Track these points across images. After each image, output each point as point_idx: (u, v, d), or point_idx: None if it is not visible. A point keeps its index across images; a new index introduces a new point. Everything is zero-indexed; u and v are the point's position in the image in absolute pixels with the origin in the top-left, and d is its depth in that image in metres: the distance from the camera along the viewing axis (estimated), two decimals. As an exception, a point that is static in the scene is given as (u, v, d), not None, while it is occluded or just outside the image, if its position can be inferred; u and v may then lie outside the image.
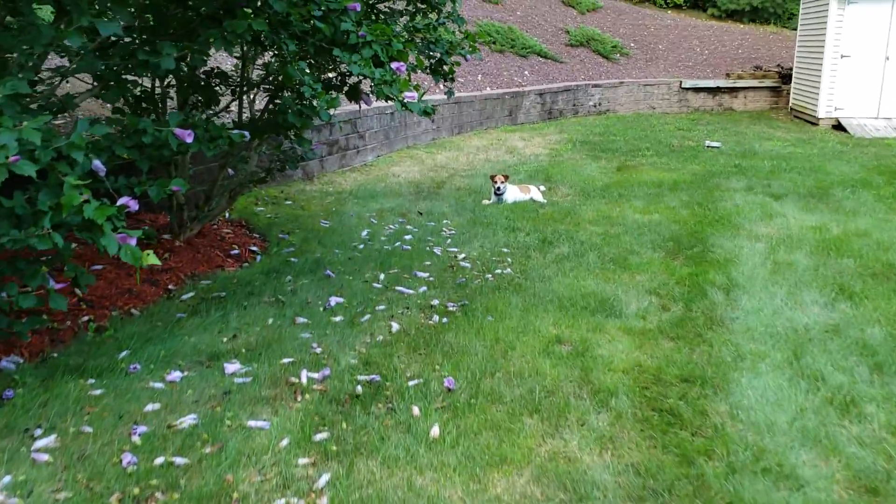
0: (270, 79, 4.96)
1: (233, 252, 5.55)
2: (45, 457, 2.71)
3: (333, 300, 4.42)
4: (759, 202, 7.29)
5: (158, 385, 3.31)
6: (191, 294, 4.59)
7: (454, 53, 5.46)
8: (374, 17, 5.11)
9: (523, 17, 16.55)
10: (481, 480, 2.66)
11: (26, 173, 2.61)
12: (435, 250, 5.60)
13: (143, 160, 3.64)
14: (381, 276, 4.92)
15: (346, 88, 4.49)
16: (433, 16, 5.55)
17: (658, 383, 3.40)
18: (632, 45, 17.43)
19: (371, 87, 3.96)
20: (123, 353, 3.61)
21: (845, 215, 6.75)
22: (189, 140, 3.36)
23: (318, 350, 3.71)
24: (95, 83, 3.45)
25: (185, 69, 3.86)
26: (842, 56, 13.33)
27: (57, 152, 2.75)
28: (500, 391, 3.29)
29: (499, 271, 5.10)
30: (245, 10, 3.63)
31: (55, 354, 3.60)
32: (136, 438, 2.84)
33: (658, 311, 4.33)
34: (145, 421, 3.00)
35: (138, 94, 4.52)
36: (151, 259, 3.08)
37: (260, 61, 5.34)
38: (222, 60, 8.39)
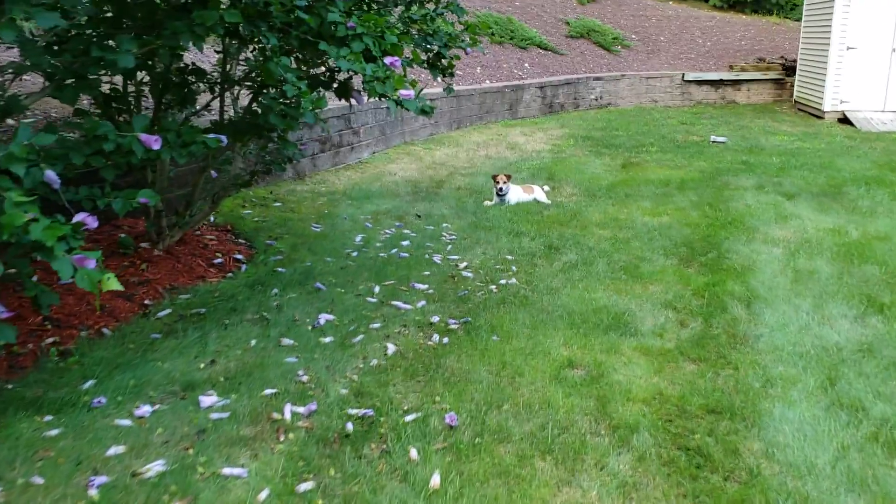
0: (254, 75, 4.59)
1: (216, 261, 5.18)
2: (-12, 516, 2.37)
3: (323, 318, 4.06)
4: (772, 202, 6.95)
5: (125, 422, 2.96)
6: (168, 311, 4.22)
7: (453, 46, 5.08)
8: (365, 7, 4.72)
9: (522, 7, 16.14)
10: (489, 541, 2.32)
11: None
12: (434, 258, 5.24)
13: (109, 168, 3.27)
14: (376, 289, 4.56)
15: (335, 85, 4.11)
16: (430, 5, 5.16)
17: (682, 416, 3.06)
18: (633, 36, 17.04)
19: (363, 83, 3.59)
20: (88, 384, 3.25)
21: (862, 216, 6.41)
22: (156, 147, 3.00)
23: (305, 378, 3.36)
24: (48, 82, 3.08)
25: (154, 66, 3.48)
26: (848, 48, 12.96)
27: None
28: (508, 427, 2.94)
29: (503, 281, 4.75)
30: (218, -1, 3.26)
31: (10, 386, 3.23)
32: (93, 492, 2.49)
33: (676, 328, 3.98)
34: (106, 468, 2.64)
35: (108, 93, 4.14)
36: (112, 284, 2.72)
37: (244, 56, 4.96)
38: (205, 57, 7.99)
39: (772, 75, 15.67)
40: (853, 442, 2.86)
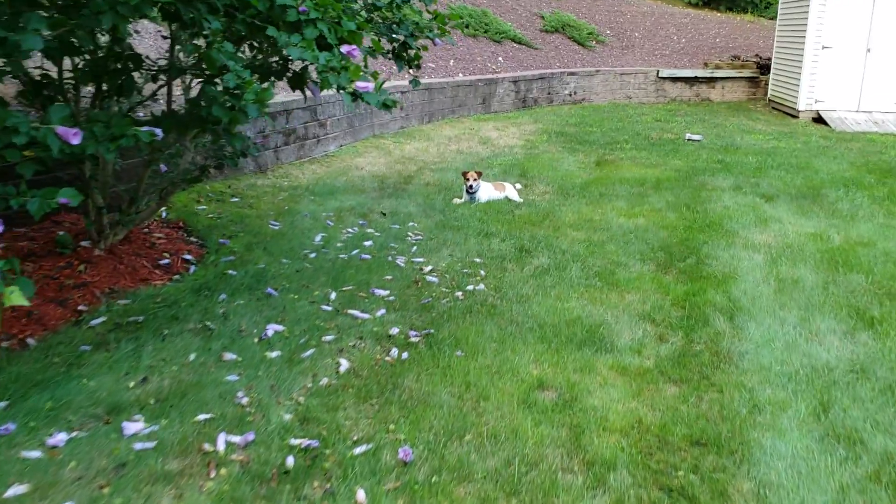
0: (203, 64, 4.20)
1: (162, 262, 4.79)
2: None
3: (272, 328, 3.71)
4: (750, 204, 6.72)
5: (34, 454, 2.59)
6: (103, 319, 3.84)
7: (421, 37, 4.74)
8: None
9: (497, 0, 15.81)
10: None
11: None
12: (398, 260, 4.91)
13: (27, 164, 2.89)
14: (333, 295, 4.22)
15: (289, 75, 3.75)
16: (397, -8, 4.81)
17: (664, 448, 2.77)
18: (607, 31, 16.81)
19: (317, 74, 3.23)
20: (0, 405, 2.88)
21: (843, 220, 6.21)
22: (75, 141, 2.63)
23: (245, 401, 3.01)
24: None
25: (96, 51, 3.09)
26: (823, 47, 12.84)
27: None
28: (470, 463, 2.62)
29: (470, 288, 4.44)
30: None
31: None
32: (-19, 546, 2.13)
33: (655, 343, 3.70)
34: (3, 514, 2.28)
35: (38, 79, 3.74)
36: (15, 299, 2.36)
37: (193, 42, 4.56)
38: (154, 43, 7.54)
39: (746, 73, 15.54)
40: (853, 481, 2.58)
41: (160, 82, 4.56)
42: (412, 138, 9.75)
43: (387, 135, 9.86)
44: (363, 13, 4.56)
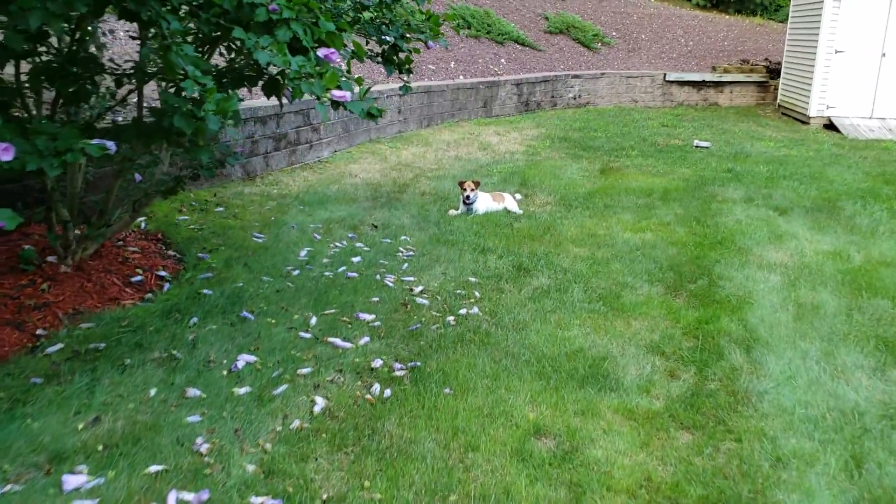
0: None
1: (134, 279, 4.46)
2: None
3: (243, 359, 3.37)
4: (763, 217, 6.37)
5: (-46, 516, 2.27)
6: (61, 346, 3.50)
7: (413, 39, 4.40)
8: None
9: (500, 0, 15.46)
10: None
11: None
12: (387, 279, 4.57)
13: (-40, 179, 2.56)
14: (313, 320, 3.88)
15: (262, 80, 3.42)
16: (387, -10, 4.47)
17: (676, 512, 2.43)
18: (613, 33, 16.45)
19: (288, 81, 2.89)
20: (-75, 454, 2.55)
21: (863, 237, 5.86)
22: (6, 157, 2.30)
23: (204, 448, 2.67)
24: None
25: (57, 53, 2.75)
26: (836, 51, 12.48)
27: None
28: (454, 531, 2.29)
29: (463, 311, 4.10)
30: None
31: None
32: None
33: (665, 381, 3.35)
34: None
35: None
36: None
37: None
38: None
39: (755, 77, 15.17)
40: (894, 558, 2.25)
41: (131, 87, 4.24)
42: (409, 143, 9.42)
43: (383, 139, 9.53)
44: (350, 13, 4.23)
